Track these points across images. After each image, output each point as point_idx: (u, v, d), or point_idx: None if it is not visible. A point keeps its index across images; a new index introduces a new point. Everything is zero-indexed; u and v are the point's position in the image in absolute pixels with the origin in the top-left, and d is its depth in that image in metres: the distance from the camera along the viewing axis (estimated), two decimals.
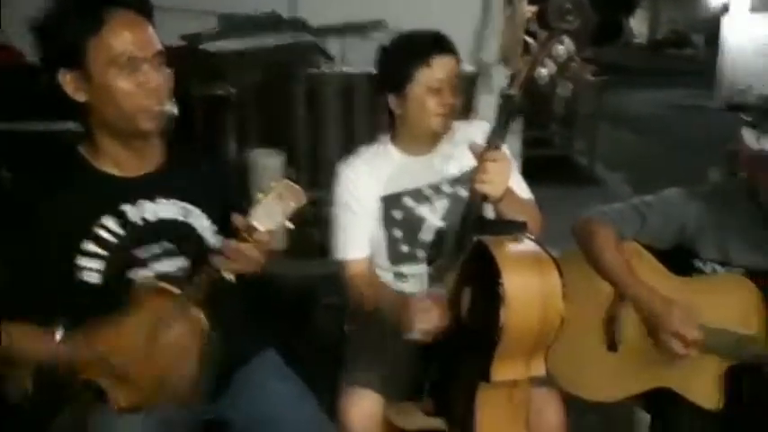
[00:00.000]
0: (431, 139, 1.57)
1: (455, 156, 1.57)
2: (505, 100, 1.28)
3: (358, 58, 3.58)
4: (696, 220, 1.46)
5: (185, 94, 1.44)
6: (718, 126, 7.41)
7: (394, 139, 1.60)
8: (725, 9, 10.99)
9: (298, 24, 3.65)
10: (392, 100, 1.52)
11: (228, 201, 1.33)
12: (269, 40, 3.51)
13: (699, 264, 1.46)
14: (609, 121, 7.45)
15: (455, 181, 1.57)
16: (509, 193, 1.34)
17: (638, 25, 21.14)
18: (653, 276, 1.49)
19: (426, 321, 1.30)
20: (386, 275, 1.62)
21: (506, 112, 1.28)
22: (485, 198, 1.29)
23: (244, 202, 1.23)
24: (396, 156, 1.59)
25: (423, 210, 1.57)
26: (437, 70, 1.46)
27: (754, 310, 1.34)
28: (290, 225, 1.20)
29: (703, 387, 1.38)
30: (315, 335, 2.46)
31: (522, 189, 1.54)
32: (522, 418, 1.34)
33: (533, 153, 4.57)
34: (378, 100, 1.62)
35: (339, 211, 1.60)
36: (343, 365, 1.60)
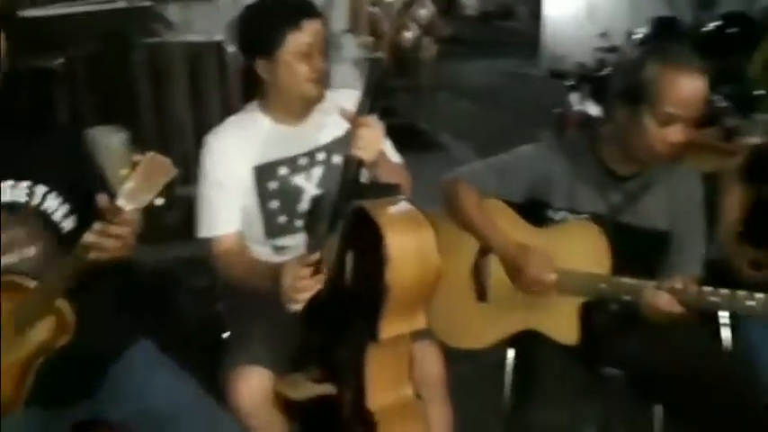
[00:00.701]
0: (304, 106, 1.54)
1: (327, 124, 1.56)
2: (373, 64, 1.31)
3: (205, 26, 3.39)
4: (546, 174, 1.60)
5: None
6: (545, 92, 8.11)
7: (264, 108, 1.56)
8: None
9: None
10: (261, 65, 1.47)
11: (85, 179, 1.22)
12: (100, 6, 3.19)
13: (551, 213, 1.60)
14: (448, 90, 7.83)
15: (329, 148, 1.56)
16: (382, 156, 1.37)
17: None
18: (513, 228, 1.61)
19: (304, 288, 1.30)
20: (262, 250, 1.58)
21: (375, 76, 1.30)
22: (360, 163, 1.30)
23: (101, 179, 1.14)
24: (266, 124, 1.55)
25: (299, 179, 1.55)
26: (307, 34, 1.43)
27: (601, 252, 1.50)
28: (161, 201, 1.13)
29: (562, 325, 1.53)
30: (183, 320, 2.36)
31: (391, 153, 1.57)
32: (407, 372, 1.40)
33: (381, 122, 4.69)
34: (243, 66, 1.56)
35: (205, 185, 1.53)
36: (217, 347, 1.55)
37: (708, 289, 1.37)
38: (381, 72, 1.31)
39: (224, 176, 1.51)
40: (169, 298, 2.51)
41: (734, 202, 1.78)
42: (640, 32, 6.87)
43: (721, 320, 1.67)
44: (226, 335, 1.64)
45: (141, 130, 3.40)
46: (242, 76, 1.58)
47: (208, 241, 1.53)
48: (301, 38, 1.43)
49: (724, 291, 1.35)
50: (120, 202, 1.08)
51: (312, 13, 1.46)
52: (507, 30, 18.92)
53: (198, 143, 1.59)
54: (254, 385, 1.38)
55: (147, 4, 3.37)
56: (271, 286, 1.34)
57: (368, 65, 1.33)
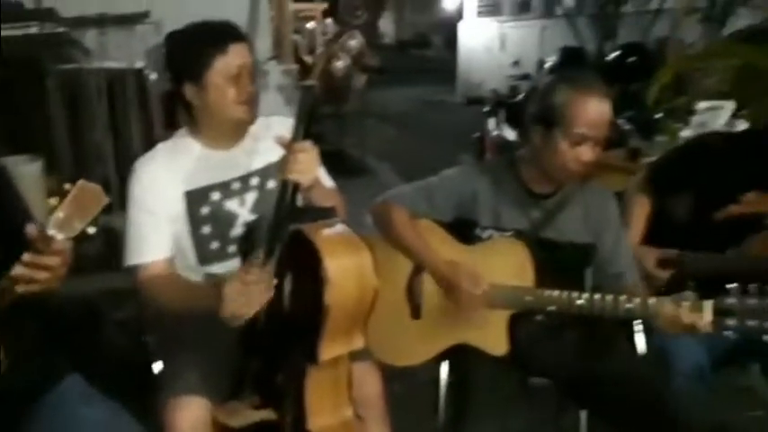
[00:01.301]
0: (235, 130, 1.55)
1: (259, 149, 1.57)
2: (305, 91, 1.34)
3: (124, 53, 3.31)
4: (471, 194, 1.68)
5: None
6: (463, 118, 8.43)
7: (194, 133, 1.56)
8: (459, 15, 12.42)
9: (45, 14, 3.24)
10: (189, 90, 1.48)
11: (9, 210, 1.18)
12: (11, 32, 3.06)
13: (478, 231, 1.68)
14: (372, 116, 7.98)
15: (263, 173, 1.57)
16: (317, 181, 1.40)
17: (385, 26, 22.76)
18: (444, 246, 1.68)
19: (251, 297, 1.27)
20: (195, 278, 1.56)
21: (307, 102, 1.33)
22: (297, 187, 1.33)
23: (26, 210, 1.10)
24: (197, 149, 1.55)
25: (232, 204, 1.55)
26: (234, 57, 1.45)
27: (526, 266, 1.59)
28: (92, 230, 1.11)
29: (492, 337, 1.60)
30: (111, 352, 2.27)
31: (324, 177, 1.61)
32: (346, 393, 1.42)
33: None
34: (168, 91, 1.55)
35: (134, 212, 1.50)
36: (148, 378, 1.51)
37: (628, 298, 1.46)
38: (314, 99, 1.35)
39: (153, 202, 1.49)
40: (93, 331, 2.40)
41: (639, 213, 1.91)
42: (550, 61, 7.28)
43: (635, 327, 1.80)
44: (157, 366, 1.60)
45: (58, 159, 3.26)
46: (165, 102, 1.57)
47: (136, 269, 1.50)
48: (229, 61, 1.44)
49: (608, 296, 1.46)
50: (51, 231, 1.05)
51: (238, 36, 1.48)
52: (424, 58, 19.52)
53: (118, 170, 1.57)
54: (191, 415, 1.35)
55: (61, 30, 3.27)
56: (208, 307, 1.30)
57: (301, 92, 1.36)
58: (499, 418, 1.51)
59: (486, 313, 1.59)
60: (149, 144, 1.61)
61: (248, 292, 1.27)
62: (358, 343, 1.37)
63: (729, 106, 2.97)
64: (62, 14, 3.34)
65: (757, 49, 3.35)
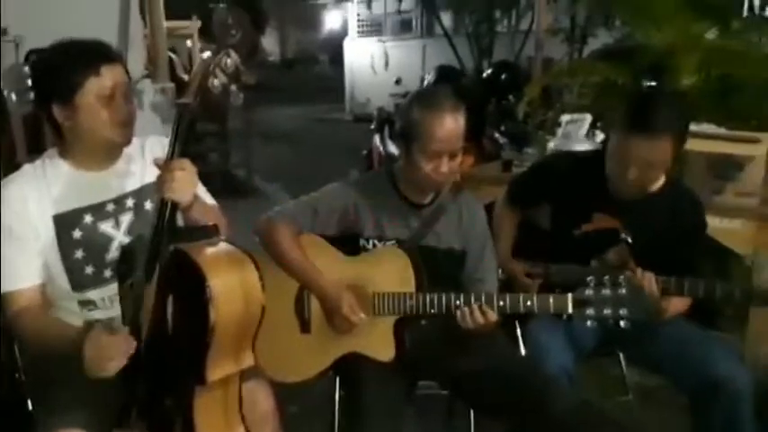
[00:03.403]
0: (108, 152, 1.50)
1: (134, 170, 1.53)
2: (181, 109, 1.33)
3: None
4: (354, 207, 1.73)
5: None
6: (352, 135, 8.55)
7: (63, 154, 1.49)
8: (344, 32, 12.63)
9: None
10: (58, 111, 1.41)
11: None
12: None
13: (363, 242, 1.73)
14: (258, 135, 7.89)
15: (139, 194, 1.53)
16: (196, 199, 1.38)
17: (270, 44, 22.63)
18: (328, 260, 1.71)
19: (110, 358, 1.27)
20: (69, 305, 1.49)
21: (184, 120, 1.33)
22: (175, 206, 1.31)
23: None
24: (67, 171, 1.48)
25: (106, 226, 1.49)
26: (107, 78, 1.41)
27: (407, 273, 1.65)
28: None
29: (379, 343, 1.65)
30: None
31: (205, 195, 1.59)
32: (237, 412, 1.40)
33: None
34: (32, 112, 1.48)
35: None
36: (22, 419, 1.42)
37: (501, 294, 1.59)
38: (190, 117, 1.34)
39: (20, 227, 1.41)
40: None
41: (506, 225, 2.03)
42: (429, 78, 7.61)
43: (518, 328, 1.92)
44: (31, 406, 1.51)
45: None
46: (29, 124, 1.50)
47: (3, 298, 1.41)
48: (101, 82, 1.40)
49: (512, 295, 1.58)
50: None
51: (111, 56, 1.44)
52: (312, 76, 19.58)
53: None
54: None
55: None
56: (74, 352, 1.28)
57: (176, 110, 1.35)
58: (391, 423, 1.55)
59: (372, 321, 1.64)
60: (12, 169, 1.52)
61: (107, 353, 1.26)
62: (247, 361, 1.36)
63: (588, 118, 3.23)
64: None
65: (613, 66, 3.70)
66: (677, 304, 1.75)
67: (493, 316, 1.57)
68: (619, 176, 1.72)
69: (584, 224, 1.84)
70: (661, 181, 1.79)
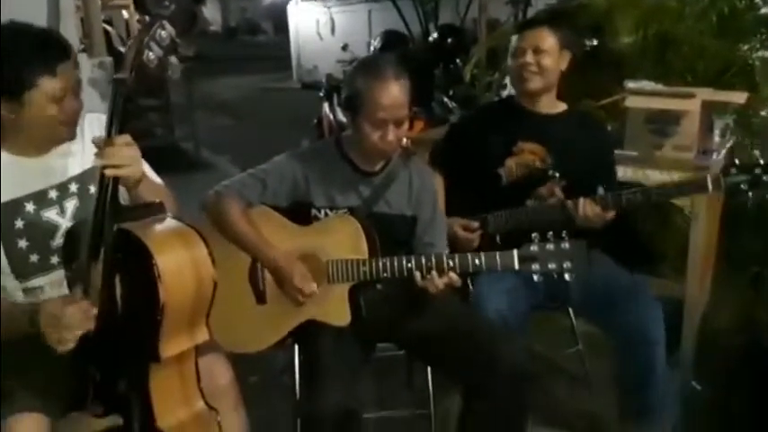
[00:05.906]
0: (51, 144, 1.45)
1: (75, 152, 1.49)
2: (117, 84, 1.29)
3: None
4: (304, 176, 1.73)
5: None
6: (301, 103, 8.42)
7: (1, 140, 1.42)
8: None
9: None
10: (3, 104, 1.35)
11: None
12: None
13: (314, 212, 1.73)
14: (204, 107, 7.70)
15: (82, 179, 1.49)
16: (143, 176, 1.35)
17: (211, 14, 21.91)
18: (280, 232, 1.71)
19: (71, 326, 1.24)
20: (14, 294, 1.45)
21: (121, 95, 1.29)
22: (116, 182, 1.28)
23: None
24: (4, 158, 1.42)
25: (50, 213, 1.45)
26: (62, 79, 1.35)
27: (360, 240, 1.67)
28: None
29: (335, 310, 1.66)
30: None
31: (150, 173, 1.55)
32: (195, 387, 1.41)
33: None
34: None
35: None
36: None
37: (449, 254, 1.62)
38: (127, 92, 1.30)
39: None
40: None
41: (439, 186, 2.03)
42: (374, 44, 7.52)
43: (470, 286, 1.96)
44: None
45: None
46: None
47: None
48: (55, 84, 1.34)
49: (461, 255, 1.60)
50: None
51: (66, 53, 1.37)
52: (256, 45, 19.07)
53: None
54: None
55: None
56: (27, 329, 1.25)
57: (112, 85, 1.31)
58: (350, 386, 1.58)
59: (328, 287, 1.66)
60: None
61: (64, 321, 1.24)
62: (201, 336, 1.37)
63: None
64: None
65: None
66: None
67: (457, 281, 1.59)
68: (518, 79, 1.95)
69: (508, 159, 1.95)
70: (563, 107, 2.01)
